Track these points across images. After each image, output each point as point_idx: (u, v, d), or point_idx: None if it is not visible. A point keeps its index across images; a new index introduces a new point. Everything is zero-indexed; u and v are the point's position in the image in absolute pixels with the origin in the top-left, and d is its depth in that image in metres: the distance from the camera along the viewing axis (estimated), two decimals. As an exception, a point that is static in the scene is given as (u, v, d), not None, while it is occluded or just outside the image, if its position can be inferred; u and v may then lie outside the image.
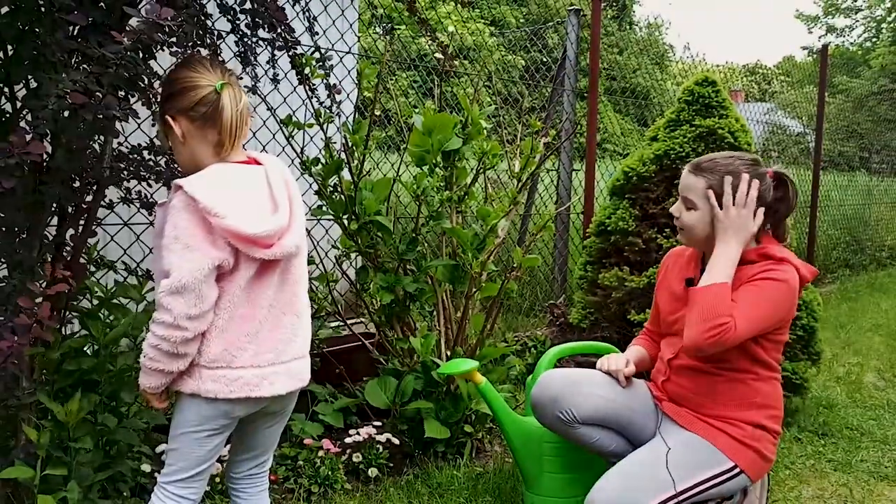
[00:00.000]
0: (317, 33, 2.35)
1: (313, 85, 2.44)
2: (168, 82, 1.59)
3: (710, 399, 2.06)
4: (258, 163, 1.66)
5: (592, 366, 2.45)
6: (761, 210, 2.01)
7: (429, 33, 2.58)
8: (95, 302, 2.21)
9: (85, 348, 2.11)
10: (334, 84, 2.44)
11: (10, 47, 1.80)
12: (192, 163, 1.58)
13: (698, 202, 2.03)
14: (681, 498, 1.95)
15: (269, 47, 2.12)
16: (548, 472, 2.31)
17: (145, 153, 2.11)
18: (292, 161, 2.90)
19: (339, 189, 2.80)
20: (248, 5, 2.00)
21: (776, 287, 1.96)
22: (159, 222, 1.55)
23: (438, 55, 2.77)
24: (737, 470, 2.00)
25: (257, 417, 1.65)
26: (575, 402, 2.07)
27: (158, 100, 1.66)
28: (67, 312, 2.10)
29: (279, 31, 2.05)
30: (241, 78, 2.16)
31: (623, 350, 2.35)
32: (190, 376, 1.51)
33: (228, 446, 1.75)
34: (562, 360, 2.48)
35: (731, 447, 2.01)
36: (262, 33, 2.06)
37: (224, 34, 2.14)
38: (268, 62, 2.15)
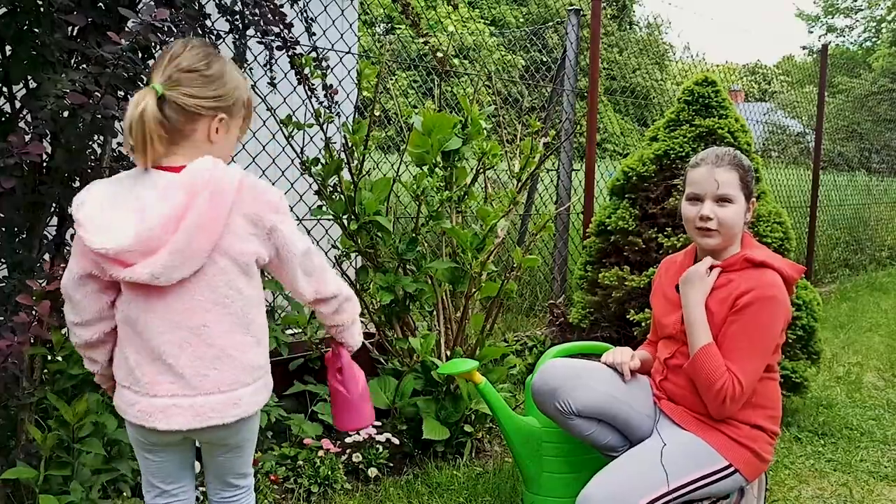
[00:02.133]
0: (314, 34, 2.35)
1: (313, 85, 2.44)
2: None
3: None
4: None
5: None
6: (754, 202, 2.08)
7: (422, 37, 2.59)
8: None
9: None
10: (331, 85, 2.44)
11: (8, 47, 1.80)
12: None
13: (735, 195, 2.04)
14: (675, 495, 1.95)
15: (266, 49, 2.11)
16: (547, 471, 2.31)
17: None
18: (292, 161, 2.91)
19: (338, 189, 2.80)
20: (238, 6, 2.00)
21: (764, 312, 1.98)
22: None
23: (439, 53, 2.77)
24: (731, 469, 2.01)
25: (205, 443, 1.58)
26: (574, 395, 2.08)
27: None
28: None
29: (279, 30, 2.05)
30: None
31: None
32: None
33: None
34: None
35: (726, 446, 2.02)
36: (259, 36, 2.06)
37: (223, 34, 2.14)
38: (265, 65, 2.15)
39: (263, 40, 2.07)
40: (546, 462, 2.31)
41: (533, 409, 2.35)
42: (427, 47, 2.78)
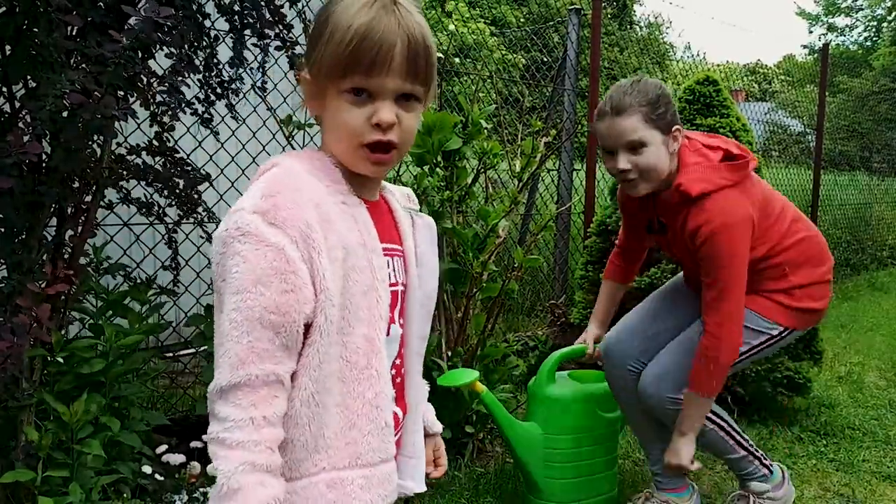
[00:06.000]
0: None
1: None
2: None
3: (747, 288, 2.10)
4: None
5: (596, 367, 2.46)
6: (677, 129, 1.98)
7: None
8: (100, 304, 2.21)
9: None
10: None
11: (7, 47, 1.79)
12: None
13: (646, 136, 1.94)
14: (738, 363, 2.08)
15: (261, 52, 2.10)
16: (552, 477, 2.30)
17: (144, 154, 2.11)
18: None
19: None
20: (237, 6, 1.99)
21: (717, 247, 1.94)
22: None
23: (438, 53, 2.76)
24: (788, 331, 2.12)
25: None
26: (638, 354, 2.22)
27: None
28: (68, 313, 2.09)
29: (278, 31, 2.05)
30: (240, 78, 2.16)
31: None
32: None
33: None
34: (563, 364, 2.47)
35: (781, 313, 2.10)
36: (257, 38, 2.05)
37: (222, 35, 2.13)
38: (258, 68, 2.13)
39: (259, 43, 2.06)
40: (551, 468, 2.30)
41: (535, 415, 2.35)
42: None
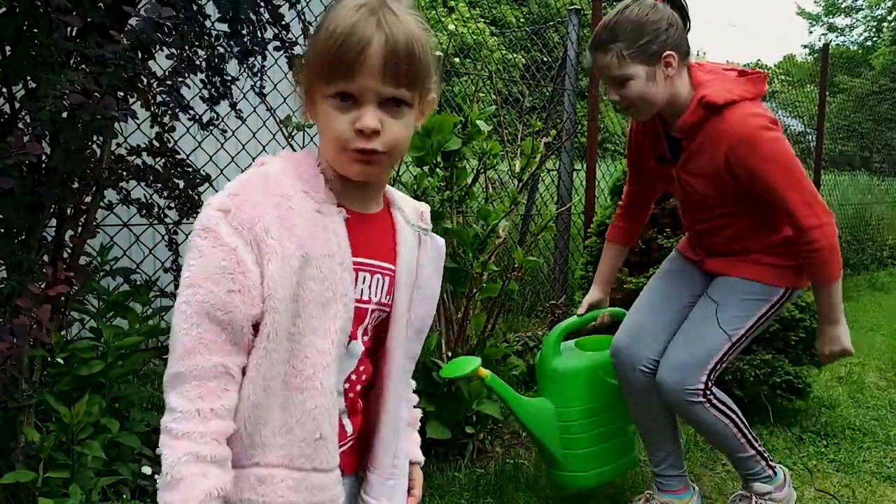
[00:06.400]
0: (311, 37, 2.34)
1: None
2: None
3: (741, 242, 2.11)
4: None
5: (607, 331, 2.49)
6: (668, 55, 1.94)
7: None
8: (101, 305, 2.21)
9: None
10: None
11: (7, 48, 1.79)
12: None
13: (630, 70, 1.94)
14: (742, 341, 2.09)
15: (258, 55, 2.09)
16: (570, 448, 2.29)
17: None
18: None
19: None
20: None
21: (765, 157, 1.91)
22: None
23: (438, 53, 2.75)
24: (790, 291, 2.10)
25: None
26: (646, 352, 2.19)
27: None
28: (68, 314, 2.09)
29: (277, 31, 2.04)
30: (238, 79, 2.16)
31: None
32: None
33: None
34: (568, 336, 2.46)
35: (777, 275, 2.08)
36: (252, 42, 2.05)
37: (222, 35, 2.13)
38: (255, 72, 2.13)
39: (255, 49, 2.06)
40: (566, 441, 2.28)
41: (544, 390, 2.35)
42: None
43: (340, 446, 1.03)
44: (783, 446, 3.03)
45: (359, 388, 1.07)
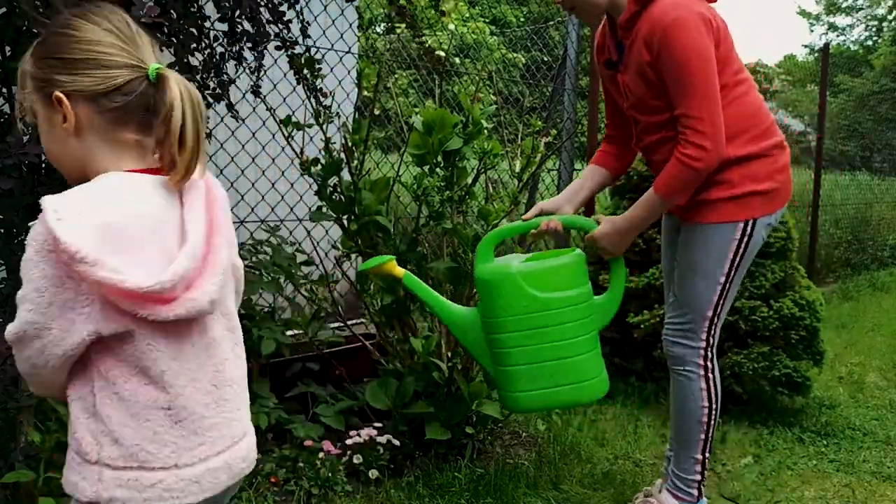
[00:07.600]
0: (309, 36, 2.33)
1: (312, 85, 2.43)
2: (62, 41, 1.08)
3: None
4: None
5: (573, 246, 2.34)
6: None
7: (418, 37, 2.59)
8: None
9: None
10: (320, 88, 2.42)
11: (7, 48, 1.79)
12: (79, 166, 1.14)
13: None
14: (729, 283, 2.04)
15: (256, 56, 2.09)
16: (500, 364, 2.02)
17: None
18: (291, 161, 2.90)
19: (338, 189, 2.79)
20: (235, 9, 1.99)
21: (675, 45, 1.84)
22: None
23: (439, 53, 2.76)
24: (751, 222, 1.99)
25: None
26: None
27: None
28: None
29: (277, 31, 2.04)
30: (235, 80, 2.16)
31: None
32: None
33: None
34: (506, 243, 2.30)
35: (730, 210, 2.00)
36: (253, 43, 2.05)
37: (221, 35, 2.13)
38: (253, 71, 2.13)
39: (256, 49, 2.06)
40: (496, 355, 2.02)
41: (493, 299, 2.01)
42: (422, 48, 2.76)
43: None
44: (783, 446, 3.03)
45: None
